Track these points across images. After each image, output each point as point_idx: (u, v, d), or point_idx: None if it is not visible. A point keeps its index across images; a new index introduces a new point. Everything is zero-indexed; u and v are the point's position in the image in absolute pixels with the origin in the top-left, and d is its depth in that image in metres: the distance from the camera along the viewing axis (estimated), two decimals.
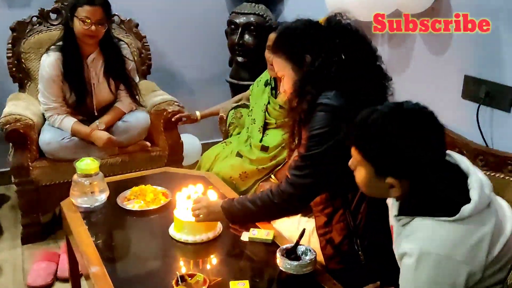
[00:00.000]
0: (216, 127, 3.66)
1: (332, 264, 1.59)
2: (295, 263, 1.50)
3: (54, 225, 2.77)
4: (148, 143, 2.80)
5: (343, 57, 1.55)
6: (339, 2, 2.44)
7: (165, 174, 2.30)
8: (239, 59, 3.40)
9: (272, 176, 2.37)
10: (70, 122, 2.60)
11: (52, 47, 2.61)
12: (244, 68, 3.45)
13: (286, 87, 1.65)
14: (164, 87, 3.20)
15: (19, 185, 2.55)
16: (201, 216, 1.64)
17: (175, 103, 2.81)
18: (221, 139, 3.84)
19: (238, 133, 2.67)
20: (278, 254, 1.53)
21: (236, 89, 3.52)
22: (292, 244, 1.58)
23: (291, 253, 1.55)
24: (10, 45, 2.90)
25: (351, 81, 1.53)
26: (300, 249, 1.57)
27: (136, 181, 2.16)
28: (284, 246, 1.56)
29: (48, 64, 2.57)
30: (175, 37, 3.53)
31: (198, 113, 2.78)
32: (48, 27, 3.01)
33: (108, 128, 2.68)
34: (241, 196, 1.63)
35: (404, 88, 1.95)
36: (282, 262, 1.51)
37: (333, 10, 1.69)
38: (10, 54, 2.90)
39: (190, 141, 3.44)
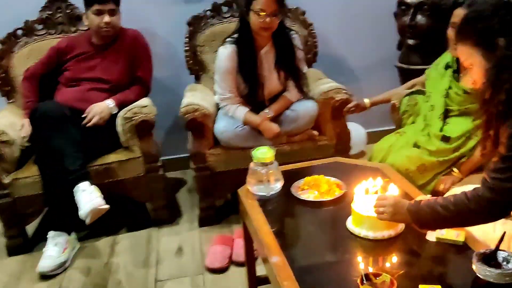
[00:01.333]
0: (383, 115, 3.51)
1: None
2: (497, 271, 1.32)
3: (227, 210, 2.90)
4: (316, 132, 2.77)
5: None
6: None
7: (336, 165, 2.23)
8: (410, 42, 3.19)
9: (455, 169, 2.15)
10: (243, 111, 2.67)
11: (228, 39, 2.70)
12: (416, 52, 3.22)
13: (475, 77, 1.45)
14: (329, 74, 3.13)
15: (197, 171, 2.71)
16: (385, 214, 1.53)
17: (343, 91, 2.73)
18: (388, 128, 3.71)
19: (413, 122, 2.49)
20: (474, 259, 1.36)
21: (406, 74, 3.31)
22: (490, 249, 1.40)
23: (490, 259, 1.37)
24: (187, 39, 3.09)
25: None
26: (501, 255, 1.38)
27: (308, 171, 2.13)
28: (482, 251, 1.39)
29: (224, 56, 2.67)
30: (340, 22, 3.43)
31: (367, 101, 2.66)
32: (220, 20, 3.14)
33: (277, 117, 2.71)
34: (429, 199, 1.48)
35: None
36: (480, 269, 1.34)
37: None
38: (187, 48, 3.09)
39: (354, 130, 3.31)
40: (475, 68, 1.45)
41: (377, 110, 3.07)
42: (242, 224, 2.66)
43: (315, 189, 1.94)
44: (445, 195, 1.87)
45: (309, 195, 1.91)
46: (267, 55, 2.70)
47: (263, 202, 1.91)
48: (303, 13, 3.17)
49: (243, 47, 2.64)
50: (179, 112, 2.68)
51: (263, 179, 1.92)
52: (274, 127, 2.64)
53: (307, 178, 2.00)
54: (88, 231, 2.79)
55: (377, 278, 1.36)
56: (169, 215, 2.89)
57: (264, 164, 1.92)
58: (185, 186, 3.36)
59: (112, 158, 2.69)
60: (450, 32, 2.20)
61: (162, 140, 3.30)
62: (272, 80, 2.72)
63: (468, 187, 1.82)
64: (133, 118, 2.64)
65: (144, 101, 2.78)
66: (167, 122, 3.40)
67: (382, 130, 3.71)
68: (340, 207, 1.84)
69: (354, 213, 1.66)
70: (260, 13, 2.51)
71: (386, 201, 1.54)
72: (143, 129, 2.67)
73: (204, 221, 2.81)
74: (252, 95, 2.70)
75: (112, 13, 2.75)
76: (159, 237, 2.75)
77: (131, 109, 2.67)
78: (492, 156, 2.04)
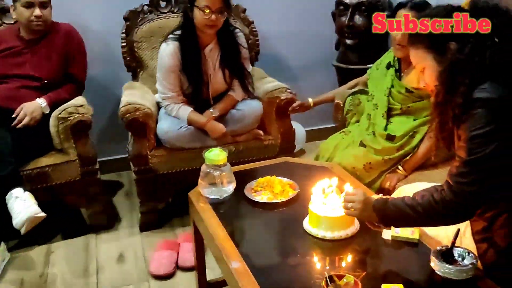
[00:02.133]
0: (321, 114, 3.58)
1: (495, 272, 1.43)
2: (455, 267, 1.36)
3: (169, 213, 2.80)
4: (261, 132, 2.74)
5: (497, 40, 1.36)
6: None
7: (285, 165, 2.21)
8: (348, 41, 3.25)
9: (400, 167, 2.21)
10: (186, 111, 2.58)
11: (171, 36, 2.60)
12: (354, 51, 3.30)
13: (428, 80, 1.49)
14: (270, 73, 3.13)
15: (138, 174, 2.59)
16: (353, 210, 1.52)
17: (287, 90, 2.73)
18: (326, 126, 3.78)
19: (357, 121, 2.53)
20: (432, 257, 1.40)
21: (344, 73, 3.38)
22: (446, 246, 1.43)
23: (447, 256, 1.41)
24: (123, 35, 2.95)
25: (508, 67, 1.34)
26: (456, 251, 1.42)
27: (258, 172, 2.10)
28: (438, 248, 1.43)
29: (167, 53, 2.57)
30: (280, 21, 3.44)
31: (310, 100, 2.66)
32: (158, 15, 3.03)
33: (222, 116, 2.65)
34: (395, 198, 1.49)
35: None
36: (438, 266, 1.38)
37: None
38: (124, 44, 2.94)
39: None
40: (427, 71, 1.48)
41: (314, 108, 3.10)
42: (189, 227, 2.58)
43: (268, 190, 1.91)
44: (394, 194, 1.92)
45: (263, 197, 1.88)
46: (211, 53, 2.64)
47: (216, 205, 1.85)
48: (244, 10, 3.13)
49: (186, 45, 2.56)
50: (118, 112, 2.55)
51: (216, 182, 1.86)
52: (220, 127, 2.58)
53: (260, 179, 1.97)
54: (19, 240, 2.58)
55: (341, 279, 1.35)
56: (107, 220, 2.75)
57: (217, 166, 1.86)
58: (122, 189, 3.21)
59: (45, 161, 2.50)
60: (393, 33, 2.24)
61: (95, 141, 3.13)
62: (217, 79, 2.66)
63: (414, 185, 1.88)
64: (68, 119, 2.47)
65: (79, 100, 2.62)
66: (101, 121, 3.24)
67: (321, 128, 3.80)
68: (295, 207, 1.83)
69: (311, 213, 1.65)
70: (206, 10, 2.44)
71: (356, 196, 1.53)
72: (79, 130, 2.51)
73: (146, 226, 2.70)
74: (196, 94, 2.63)
75: (43, 5, 2.56)
76: (98, 244, 2.61)
77: (66, 108, 2.50)
78: (443, 155, 2.13)
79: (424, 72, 1.50)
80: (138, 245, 2.58)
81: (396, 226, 1.52)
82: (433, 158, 2.09)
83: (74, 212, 2.79)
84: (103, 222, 2.72)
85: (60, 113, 2.48)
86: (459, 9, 1.45)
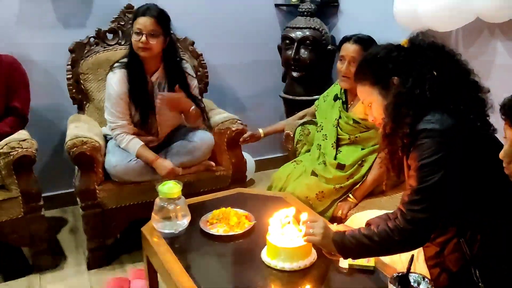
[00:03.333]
0: (269, 143, 3.63)
1: None
2: None
3: (118, 250, 2.71)
4: (213, 163, 2.73)
5: (435, 73, 1.46)
6: (411, 12, 2.37)
7: (239, 195, 2.22)
8: (295, 74, 3.34)
9: (350, 195, 2.27)
10: (136, 145, 2.53)
11: (117, 64, 2.58)
12: (300, 83, 3.38)
13: (375, 113, 1.57)
14: (218, 104, 3.15)
15: (85, 209, 2.49)
16: (315, 237, 1.54)
17: (238, 122, 2.75)
18: (276, 155, 3.83)
19: (307, 151, 2.58)
20: (390, 284, 1.43)
21: (291, 105, 3.46)
22: (402, 272, 1.47)
23: (403, 282, 1.44)
24: (69, 67, 2.88)
25: (447, 98, 1.44)
26: (412, 277, 1.46)
27: (213, 204, 2.10)
28: (395, 275, 1.46)
29: (114, 82, 2.54)
30: (228, 54, 3.48)
31: (261, 131, 2.70)
32: (105, 48, 2.99)
33: (174, 148, 2.63)
34: (353, 229, 1.52)
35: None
36: None
37: (414, 30, 1.60)
38: (69, 76, 2.87)
39: None
40: (374, 105, 1.56)
41: (263, 138, 3.15)
42: (140, 263, 2.54)
43: (224, 222, 1.90)
44: (347, 222, 1.97)
45: (219, 229, 1.87)
46: (158, 81, 2.62)
47: (172, 240, 1.82)
48: (192, 43, 3.15)
49: (132, 71, 2.55)
50: (64, 145, 2.46)
51: (171, 216, 1.83)
52: (167, 163, 2.53)
53: (215, 211, 1.96)
54: None
55: None
56: (52, 259, 2.61)
57: (171, 200, 1.83)
58: (67, 225, 3.08)
59: None
60: (339, 65, 2.34)
61: (38, 176, 3.00)
62: (166, 113, 2.60)
63: (366, 213, 1.94)
64: (10, 154, 2.35)
65: (22, 134, 2.51)
66: (45, 156, 3.11)
67: (269, 158, 3.84)
68: (251, 239, 1.83)
69: (270, 245, 1.65)
70: (138, 33, 2.47)
71: (317, 223, 1.56)
72: (22, 165, 2.39)
73: (94, 263, 2.58)
74: (145, 121, 2.59)
75: None
76: (43, 285, 2.46)
77: (8, 143, 2.38)
78: (391, 183, 2.21)
79: (371, 107, 1.57)
80: (86, 284, 2.47)
81: (354, 258, 1.55)
82: (384, 187, 2.16)
83: (15, 251, 2.63)
84: (47, 261, 2.57)
85: (1, 148, 2.36)
86: (399, 47, 1.54)
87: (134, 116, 2.60)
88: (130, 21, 2.77)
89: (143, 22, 2.46)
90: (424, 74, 1.45)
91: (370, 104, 1.58)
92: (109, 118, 2.59)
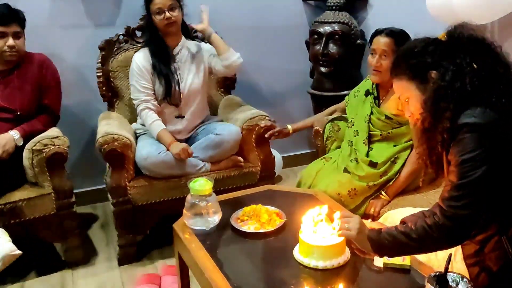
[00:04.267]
0: (296, 140, 3.60)
1: None
2: None
3: (148, 246, 2.72)
4: (241, 159, 2.73)
5: (475, 66, 1.41)
6: (445, 5, 2.30)
7: (269, 193, 2.20)
8: (323, 69, 3.30)
9: (383, 192, 2.23)
10: (159, 127, 2.63)
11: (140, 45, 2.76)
12: (328, 79, 3.34)
13: (413, 109, 1.52)
14: (245, 101, 3.14)
15: (116, 205, 2.51)
16: (350, 232, 1.50)
17: (266, 118, 2.73)
18: (303, 152, 3.80)
19: (337, 147, 2.55)
20: (427, 283, 1.39)
21: (319, 101, 3.42)
22: (439, 272, 1.43)
23: (441, 282, 1.40)
24: (99, 64, 2.91)
25: (488, 91, 1.39)
26: (450, 276, 1.42)
27: (243, 201, 2.09)
28: (432, 274, 1.42)
29: (137, 57, 2.69)
30: (255, 50, 3.46)
31: (289, 127, 2.68)
32: (134, 45, 3.00)
33: (203, 143, 2.65)
34: (389, 227, 1.49)
35: None
36: None
37: (452, 23, 1.55)
38: (99, 73, 2.90)
39: None
40: (412, 101, 1.52)
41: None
42: (170, 259, 2.56)
43: (255, 219, 1.89)
44: (380, 219, 1.93)
45: (250, 226, 1.85)
46: (180, 54, 2.75)
47: (203, 236, 1.82)
48: None
49: (154, 47, 2.69)
50: (95, 142, 2.49)
51: (202, 212, 1.82)
52: (181, 144, 2.60)
53: (246, 208, 1.95)
54: None
55: None
56: (83, 255, 2.64)
57: (203, 197, 1.83)
58: (97, 221, 3.12)
59: (18, 195, 2.39)
60: (370, 59, 2.29)
61: (69, 172, 3.04)
62: (190, 76, 2.75)
63: (400, 210, 1.90)
64: (43, 151, 2.39)
65: (54, 131, 2.55)
66: (76, 153, 3.16)
67: (296, 154, 3.82)
68: (283, 236, 1.81)
69: (302, 243, 1.63)
70: (159, 12, 2.60)
71: (352, 219, 1.53)
72: (54, 162, 2.43)
73: (124, 259, 2.61)
74: (169, 93, 2.68)
75: (17, 35, 2.50)
76: (75, 280, 2.50)
77: (40, 140, 2.42)
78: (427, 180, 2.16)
79: (408, 102, 1.53)
80: (117, 280, 2.49)
81: (390, 256, 1.51)
82: (420, 183, 2.12)
83: (48, 247, 2.68)
84: (79, 257, 2.61)
85: (34, 145, 2.40)
86: (436, 41, 1.50)
87: (159, 89, 2.68)
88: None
89: (160, 1, 2.59)
90: (463, 67, 1.40)
91: (407, 100, 1.53)
92: (134, 95, 2.71)
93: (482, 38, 1.48)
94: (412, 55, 1.50)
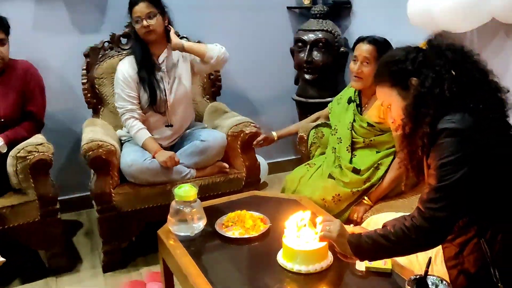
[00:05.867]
0: (282, 146, 3.63)
1: None
2: None
3: (132, 252, 2.72)
4: (226, 165, 2.74)
5: (454, 73, 1.45)
6: (425, 14, 2.36)
7: (254, 198, 2.22)
8: (307, 76, 3.34)
9: (366, 198, 2.26)
10: (145, 135, 2.63)
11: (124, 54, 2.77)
12: (312, 86, 3.38)
13: (394, 115, 1.57)
14: (231, 107, 3.16)
15: (101, 212, 2.51)
16: (331, 234, 1.54)
17: (252, 124, 2.75)
18: (288, 158, 3.83)
19: (321, 153, 2.58)
20: (408, 286, 1.42)
21: (303, 107, 3.46)
22: (420, 275, 1.46)
23: (421, 285, 1.43)
24: (84, 71, 2.91)
25: (467, 97, 1.43)
26: (430, 279, 1.45)
27: (228, 206, 2.10)
28: (412, 277, 1.45)
29: (123, 66, 2.68)
30: (240, 57, 3.47)
31: (274, 134, 2.71)
32: (119, 52, 3.01)
33: (188, 150, 2.66)
34: (369, 231, 1.52)
35: None
36: None
37: (432, 32, 1.60)
38: (84, 80, 2.91)
39: None
40: (394, 107, 1.56)
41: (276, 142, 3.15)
42: (155, 266, 2.56)
43: (239, 225, 1.90)
44: (363, 224, 1.96)
45: (234, 232, 1.87)
46: (166, 62, 2.73)
47: (188, 242, 1.83)
48: None
49: (139, 56, 2.67)
50: (80, 149, 2.49)
51: (187, 219, 1.83)
52: (168, 152, 2.60)
53: (230, 214, 1.96)
54: None
55: None
56: (68, 262, 2.63)
57: (187, 203, 1.84)
58: (82, 228, 3.11)
59: (2, 202, 2.38)
60: (352, 65, 2.33)
61: (54, 179, 3.03)
62: (176, 86, 2.73)
63: (382, 216, 1.93)
64: (27, 158, 2.38)
65: (38, 138, 2.55)
66: (60, 159, 3.14)
67: (281, 160, 3.84)
68: (267, 242, 1.83)
69: (286, 247, 1.65)
70: (138, 21, 2.60)
71: (333, 222, 1.58)
72: (38, 169, 2.41)
73: (109, 266, 2.60)
74: (153, 101, 2.66)
75: (1, 43, 2.50)
76: (59, 287, 2.49)
77: (25, 147, 2.41)
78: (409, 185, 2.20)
79: (390, 109, 1.57)
80: (102, 287, 2.48)
81: (370, 260, 1.54)
82: (403, 188, 2.15)
83: (32, 254, 2.67)
84: (63, 264, 2.60)
85: (18, 152, 2.39)
86: (417, 49, 1.54)
87: (143, 97, 2.67)
88: None
89: (139, 9, 2.59)
90: (442, 74, 1.45)
91: (389, 106, 1.58)
92: (119, 103, 2.69)
93: (461, 46, 1.52)
94: (393, 63, 1.55)
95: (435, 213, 1.37)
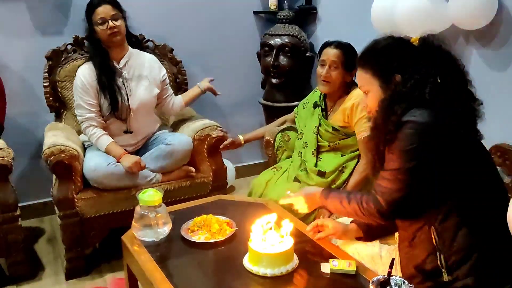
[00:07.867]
0: (250, 150, 3.63)
1: (414, 283, 1.50)
2: None
3: (96, 259, 2.67)
4: (192, 169, 2.72)
5: (439, 80, 1.49)
6: (388, 19, 2.41)
7: (220, 202, 2.21)
8: (274, 80, 3.36)
9: None
10: (107, 140, 2.57)
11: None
12: (279, 90, 3.40)
13: (370, 103, 1.60)
14: (197, 111, 3.15)
15: (63, 218, 2.45)
16: (304, 209, 1.78)
17: (218, 128, 2.75)
18: (255, 162, 3.83)
19: (288, 157, 2.59)
20: (371, 287, 1.44)
21: (270, 111, 3.47)
22: (383, 276, 1.48)
23: (384, 285, 1.46)
24: (46, 74, 2.84)
25: (442, 103, 1.47)
26: (393, 280, 1.48)
27: (194, 211, 2.08)
28: (376, 278, 1.47)
29: (81, 73, 2.60)
30: (206, 61, 3.48)
31: (241, 137, 2.71)
32: (82, 55, 2.95)
33: (153, 153, 2.63)
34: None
35: None
36: None
37: (424, 32, 1.61)
38: (46, 83, 2.84)
39: None
40: (371, 95, 1.59)
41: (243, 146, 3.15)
42: (119, 272, 2.51)
43: (205, 229, 1.89)
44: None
45: (200, 237, 1.85)
46: (127, 66, 2.66)
47: (153, 248, 1.80)
48: (171, 50, 3.14)
49: (98, 61, 2.59)
50: (41, 154, 2.42)
51: (151, 224, 1.81)
52: (133, 157, 2.56)
53: (196, 219, 1.95)
54: None
55: None
56: (29, 270, 2.56)
57: (152, 208, 1.82)
58: (44, 235, 3.02)
59: None
60: (320, 69, 2.36)
61: (15, 185, 2.95)
62: (139, 91, 2.67)
63: (348, 218, 1.95)
64: None
65: None
66: (21, 164, 3.06)
67: (249, 164, 3.85)
68: (233, 246, 1.82)
69: (251, 251, 1.65)
70: (102, 22, 2.53)
71: (298, 199, 1.74)
72: None
73: (72, 273, 2.54)
74: (114, 107, 2.59)
75: None
76: None
77: None
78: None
79: (367, 95, 1.59)
80: None
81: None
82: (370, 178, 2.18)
83: None
84: (24, 272, 2.53)
85: None
86: (409, 44, 1.56)
87: (104, 104, 2.60)
88: None
89: (103, 10, 2.53)
90: (427, 78, 1.48)
91: (367, 92, 1.60)
92: (78, 111, 2.61)
93: (449, 52, 1.56)
94: (382, 53, 1.57)
95: (388, 195, 1.45)
